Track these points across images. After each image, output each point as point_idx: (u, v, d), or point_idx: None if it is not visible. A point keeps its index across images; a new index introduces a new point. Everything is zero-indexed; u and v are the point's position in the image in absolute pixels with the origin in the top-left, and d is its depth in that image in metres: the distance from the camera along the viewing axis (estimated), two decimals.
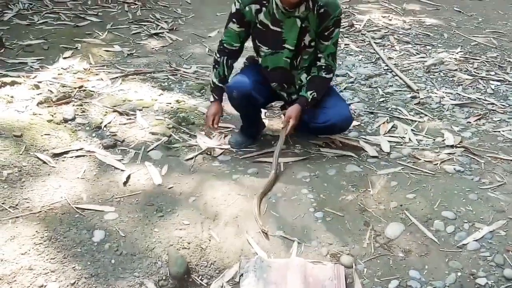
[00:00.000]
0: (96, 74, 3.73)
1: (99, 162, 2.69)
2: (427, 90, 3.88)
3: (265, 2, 2.59)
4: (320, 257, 2.21)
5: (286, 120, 2.72)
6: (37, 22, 4.58)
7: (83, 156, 2.71)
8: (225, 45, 2.75)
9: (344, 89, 3.82)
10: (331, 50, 2.73)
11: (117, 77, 3.71)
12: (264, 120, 3.16)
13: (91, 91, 3.46)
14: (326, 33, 2.67)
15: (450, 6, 6.04)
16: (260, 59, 2.79)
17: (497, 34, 5.19)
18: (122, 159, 2.74)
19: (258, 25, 2.65)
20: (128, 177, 2.58)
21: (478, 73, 4.18)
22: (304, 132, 2.98)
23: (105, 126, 3.03)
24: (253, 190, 2.53)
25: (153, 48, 4.41)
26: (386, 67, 4.27)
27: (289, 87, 2.84)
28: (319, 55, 2.74)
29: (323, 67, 2.74)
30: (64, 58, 3.94)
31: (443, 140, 3.13)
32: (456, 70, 4.26)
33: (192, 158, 2.81)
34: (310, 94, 2.71)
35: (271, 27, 2.62)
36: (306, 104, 2.72)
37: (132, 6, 5.32)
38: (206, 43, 4.64)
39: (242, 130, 2.99)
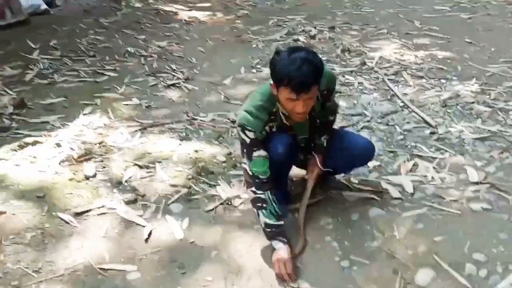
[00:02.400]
0: (116, 129, 3.73)
1: (120, 219, 2.64)
2: (446, 125, 3.79)
3: (273, 117, 2.41)
4: None
5: (311, 170, 2.66)
6: (58, 81, 4.63)
7: (105, 213, 2.67)
8: (260, 176, 2.37)
9: (361, 128, 3.75)
10: (332, 106, 2.70)
11: (136, 130, 3.70)
12: None
13: (111, 146, 3.45)
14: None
15: (461, 38, 5.98)
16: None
17: (511, 63, 5.10)
18: (143, 215, 2.69)
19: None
20: (150, 233, 2.52)
21: (496, 104, 4.08)
22: (327, 178, 2.91)
23: (125, 181, 3.00)
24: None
25: (170, 99, 4.42)
26: (402, 104, 4.20)
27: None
28: (323, 112, 2.68)
29: (329, 111, 2.70)
30: (84, 114, 3.96)
31: (467, 177, 3.02)
32: (473, 102, 4.16)
33: (212, 210, 2.75)
34: (324, 138, 2.68)
35: (288, 132, 2.53)
36: (323, 150, 2.68)
37: (148, 59, 5.38)
38: (221, 90, 4.64)
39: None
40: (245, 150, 2.40)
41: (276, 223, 2.35)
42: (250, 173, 2.39)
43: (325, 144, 2.67)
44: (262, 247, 2.42)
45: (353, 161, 2.76)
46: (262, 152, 2.38)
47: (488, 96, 4.26)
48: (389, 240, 2.46)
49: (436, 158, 3.28)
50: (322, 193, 2.88)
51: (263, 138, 2.39)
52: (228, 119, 4.02)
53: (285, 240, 2.35)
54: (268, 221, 2.35)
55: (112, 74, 4.91)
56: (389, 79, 4.74)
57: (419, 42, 5.83)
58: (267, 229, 2.36)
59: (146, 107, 4.22)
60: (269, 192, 2.37)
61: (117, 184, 2.97)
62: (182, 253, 2.38)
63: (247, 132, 2.35)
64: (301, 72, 2.14)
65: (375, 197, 2.81)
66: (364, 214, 2.67)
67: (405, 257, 2.35)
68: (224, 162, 3.28)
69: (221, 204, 2.81)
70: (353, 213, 2.67)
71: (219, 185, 3.00)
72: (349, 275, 2.26)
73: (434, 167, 3.16)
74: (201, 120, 3.95)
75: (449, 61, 5.22)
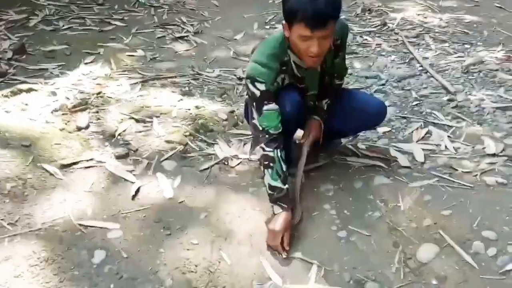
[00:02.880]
0: (116, 80, 3.55)
1: (109, 173, 2.49)
2: (465, 92, 3.52)
3: (284, 67, 2.19)
4: (343, 283, 1.94)
5: (306, 134, 2.45)
6: (62, 28, 4.44)
7: (93, 167, 2.52)
8: (270, 131, 2.16)
9: (375, 91, 3.51)
10: (341, 65, 2.48)
11: (136, 83, 3.52)
12: None
13: (109, 97, 3.27)
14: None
15: (490, 2, 5.59)
16: None
17: None
18: (134, 170, 2.53)
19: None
20: (138, 190, 2.37)
21: None
22: (331, 141, 2.71)
23: (119, 134, 2.83)
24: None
25: (176, 52, 4.21)
26: (420, 68, 3.92)
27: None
28: (330, 71, 2.45)
29: (335, 75, 2.49)
30: (86, 63, 3.78)
31: (483, 148, 2.78)
32: (497, 70, 3.86)
33: (207, 169, 2.58)
34: (325, 102, 2.47)
35: (299, 84, 2.32)
36: (323, 113, 2.47)
37: (159, 10, 5.14)
38: (231, 46, 4.40)
39: None
40: (254, 104, 2.18)
41: (280, 185, 2.15)
42: (260, 127, 2.18)
43: (325, 108, 2.46)
44: (256, 210, 2.26)
45: (362, 122, 2.53)
46: (273, 106, 2.16)
47: None
48: (393, 211, 2.27)
49: (452, 127, 3.03)
50: (325, 158, 2.68)
51: (275, 91, 2.17)
52: (235, 75, 3.80)
53: (286, 207, 2.14)
54: (272, 182, 2.15)
55: (119, 23, 4.70)
56: (409, 42, 4.44)
57: (446, 5, 5.47)
58: (270, 191, 2.17)
59: (150, 59, 4.02)
60: (278, 150, 2.17)
61: (110, 137, 2.80)
62: (169, 213, 2.23)
63: (257, 84, 2.13)
64: (317, 3, 1.91)
65: (382, 164, 2.60)
66: (369, 182, 2.47)
67: (408, 230, 2.16)
68: (225, 120, 3.09)
69: (217, 163, 2.63)
70: (357, 181, 2.48)
71: (217, 143, 2.82)
72: (346, 246, 2.09)
73: (448, 136, 2.92)
74: (206, 76, 3.75)
75: (475, 25, 4.87)
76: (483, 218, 2.19)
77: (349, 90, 2.73)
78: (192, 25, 4.83)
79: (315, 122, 2.47)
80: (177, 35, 4.53)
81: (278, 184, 2.15)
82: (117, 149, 2.67)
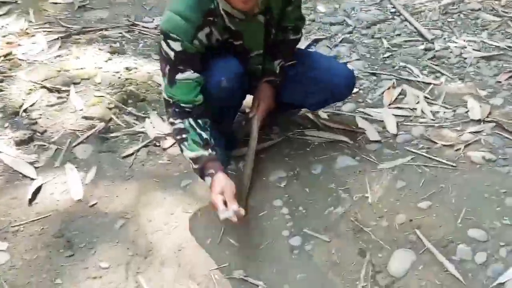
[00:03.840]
0: (32, 36, 2.90)
1: (3, 167, 1.93)
2: (444, 39, 2.98)
3: (211, 18, 1.64)
4: None
5: (256, 104, 1.92)
6: None
7: None
8: (181, 105, 1.67)
9: (340, 41, 2.94)
10: (295, 14, 1.94)
11: (57, 38, 2.87)
12: None
13: (20, 59, 2.64)
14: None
15: None
16: None
17: None
18: (37, 161, 1.98)
19: (214, 47, 1.72)
20: (38, 190, 1.83)
21: (506, 13, 3.24)
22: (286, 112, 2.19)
23: (24, 110, 2.25)
24: (207, 203, 1.76)
25: None
26: (393, 10, 3.34)
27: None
28: (283, 23, 1.93)
29: (290, 28, 1.95)
30: None
31: (466, 112, 2.29)
32: (479, 9, 3.31)
33: (132, 154, 2.04)
34: (278, 64, 1.92)
35: (234, 42, 1.76)
36: (275, 78, 1.93)
37: None
38: None
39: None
40: (167, 69, 1.65)
41: (202, 153, 1.64)
42: (170, 100, 1.67)
43: (277, 71, 1.92)
44: (188, 214, 1.76)
45: (325, 97, 2.02)
46: (190, 74, 1.64)
47: (497, 2, 3.40)
48: (358, 204, 1.80)
49: (429, 84, 2.52)
50: (279, 133, 2.16)
51: (196, 53, 1.64)
52: None
53: (215, 171, 1.62)
54: (192, 154, 1.65)
55: None
56: None
57: None
58: (194, 166, 1.66)
59: (78, 7, 3.33)
60: (190, 119, 1.67)
61: (12, 115, 2.22)
62: (74, 223, 1.71)
63: (171, 42, 1.61)
64: None
65: (347, 139, 2.10)
66: (330, 165, 1.97)
67: (378, 232, 1.70)
68: (161, 85, 2.51)
69: (146, 146, 2.09)
70: (315, 164, 1.98)
71: (148, 117, 2.27)
72: (299, 259, 1.62)
73: (425, 97, 2.42)
74: (143, 27, 3.10)
75: None
76: (469, 211, 1.74)
77: (308, 53, 2.17)
78: None
79: (266, 88, 1.94)
80: None
81: (200, 152, 1.64)
82: (18, 132, 2.10)
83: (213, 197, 1.54)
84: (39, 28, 3.01)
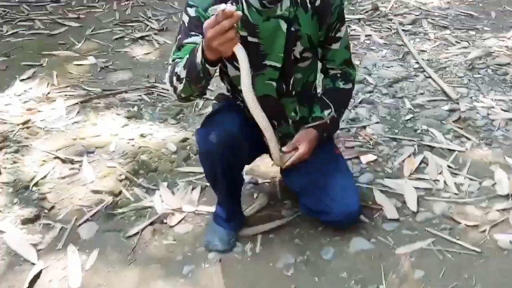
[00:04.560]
0: (53, 101, 2.89)
1: (6, 249, 1.86)
2: (471, 98, 2.81)
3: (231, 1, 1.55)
4: None
5: (294, 146, 1.71)
6: (5, 34, 3.76)
7: None
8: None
9: (360, 102, 2.80)
10: (344, 55, 1.80)
11: (77, 103, 2.86)
12: None
13: (39, 127, 2.63)
14: (331, 34, 1.72)
15: None
16: (232, 91, 1.84)
17: None
18: (40, 242, 1.90)
19: None
20: (37, 277, 1.74)
21: None
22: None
23: (35, 184, 2.20)
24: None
25: (134, 57, 3.52)
26: (416, 65, 3.20)
27: (279, 124, 1.81)
28: (329, 65, 1.81)
29: (339, 75, 1.81)
30: (22, 80, 3.12)
31: (493, 185, 2.10)
32: (508, 64, 3.13)
33: (136, 234, 1.94)
34: (328, 113, 1.76)
35: (249, 38, 1.63)
36: (324, 128, 1.75)
37: (123, 3, 4.42)
38: None
39: (222, 220, 1.87)
40: (179, 36, 1.61)
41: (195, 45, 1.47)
42: (173, 62, 1.57)
43: (328, 122, 1.76)
44: None
45: (317, 213, 1.84)
46: (199, 39, 1.52)
47: None
48: None
49: (453, 151, 2.35)
50: (290, 208, 2.03)
51: None
52: None
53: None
54: (185, 63, 1.46)
55: (73, 24, 4.00)
56: (404, 30, 3.70)
57: None
58: (198, 68, 1.43)
59: (101, 68, 3.34)
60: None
61: (23, 189, 2.17)
62: None
63: (188, 9, 1.61)
64: None
65: (363, 217, 1.94)
66: (342, 248, 1.81)
67: None
68: (175, 153, 2.43)
69: (152, 223, 1.99)
70: (327, 246, 1.82)
71: (158, 189, 2.18)
72: None
73: (449, 166, 2.24)
74: (162, 88, 3.07)
75: (481, 5, 4.10)
76: None
77: (328, 170, 1.82)
78: (157, 20, 4.12)
79: (311, 131, 1.74)
80: (138, 34, 3.83)
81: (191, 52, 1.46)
82: (26, 210, 2.04)
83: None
84: (61, 92, 3.01)
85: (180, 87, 1.52)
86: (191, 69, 1.45)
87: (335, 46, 1.75)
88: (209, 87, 1.57)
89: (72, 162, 2.35)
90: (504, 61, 3.15)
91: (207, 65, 1.42)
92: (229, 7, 1.28)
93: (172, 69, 1.55)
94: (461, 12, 3.94)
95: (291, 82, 1.73)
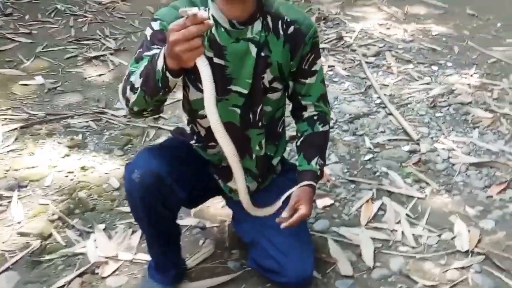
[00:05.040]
0: None
1: None
2: (432, 138, 2.70)
3: None
4: None
5: (295, 207, 1.50)
6: None
7: None
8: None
9: None
10: (320, 90, 1.64)
11: (15, 129, 2.61)
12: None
13: None
14: (305, 66, 1.56)
15: (462, 8, 4.74)
16: (191, 119, 1.62)
17: None
18: None
19: None
20: None
21: (499, 107, 2.98)
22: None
23: None
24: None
25: (86, 78, 3.28)
26: (378, 101, 3.08)
27: (242, 157, 1.57)
28: (303, 102, 1.63)
29: (315, 117, 1.64)
30: None
31: (452, 238, 1.97)
32: (470, 103, 3.05)
33: (63, 287, 1.71)
34: (316, 163, 1.58)
35: (215, 59, 1.46)
36: (317, 180, 1.59)
37: (80, 20, 4.17)
38: None
39: (155, 273, 1.68)
40: (139, 50, 1.42)
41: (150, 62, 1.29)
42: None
43: (318, 172, 1.59)
44: None
45: (275, 280, 1.67)
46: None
47: (489, 94, 3.15)
48: None
49: (412, 198, 2.21)
50: (236, 263, 1.83)
51: None
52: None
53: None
54: (153, 66, 1.25)
55: (24, 39, 3.73)
56: (367, 62, 3.59)
57: (412, 12, 4.63)
58: (157, 76, 1.25)
59: (49, 90, 3.10)
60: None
61: None
62: None
63: (152, 23, 1.44)
64: None
65: (315, 273, 1.76)
66: None
67: None
68: (117, 189, 2.22)
69: (81, 274, 1.76)
70: None
71: (93, 232, 1.95)
72: None
73: (407, 215, 2.10)
74: (111, 115, 2.85)
75: (444, 39, 4.04)
76: None
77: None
78: (115, 39, 3.89)
79: (308, 191, 1.55)
80: (93, 54, 3.60)
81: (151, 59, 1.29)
82: None
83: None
84: (2, 115, 2.75)
85: (133, 98, 1.32)
86: (149, 77, 1.27)
87: (311, 80, 1.59)
88: (163, 115, 1.39)
89: (0, 197, 2.10)
90: (466, 100, 3.06)
91: (167, 74, 1.23)
92: (202, 13, 1.12)
93: (126, 78, 1.36)
94: (424, 46, 3.87)
95: (258, 112, 1.55)
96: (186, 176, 1.55)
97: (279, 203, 1.50)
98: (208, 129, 1.40)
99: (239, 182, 1.34)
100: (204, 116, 1.43)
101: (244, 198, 1.40)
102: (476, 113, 2.93)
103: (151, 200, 1.45)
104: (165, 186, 1.45)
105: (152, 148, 1.63)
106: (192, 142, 1.64)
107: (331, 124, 2.75)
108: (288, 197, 1.51)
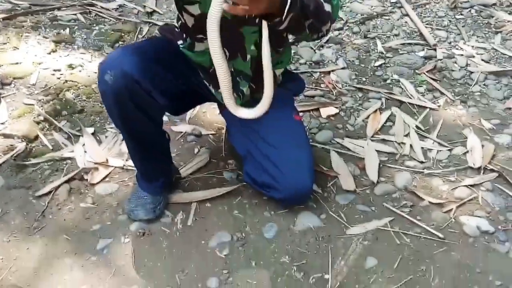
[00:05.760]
0: None
1: None
2: (450, 43, 2.45)
3: None
4: None
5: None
6: None
7: None
8: None
9: (326, 42, 2.41)
10: None
11: None
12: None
13: None
14: None
15: None
16: (178, 6, 1.33)
17: None
18: None
19: None
20: None
21: None
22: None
23: None
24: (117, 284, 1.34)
25: None
26: (394, 0, 2.78)
27: (233, 56, 1.36)
28: None
29: None
30: None
31: (464, 153, 1.82)
32: (494, 4, 2.75)
33: (49, 193, 1.59)
34: None
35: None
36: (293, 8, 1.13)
37: None
38: None
39: (142, 181, 1.54)
40: None
41: None
42: None
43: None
44: None
45: (270, 195, 1.53)
46: None
47: None
48: None
49: (424, 108, 2.03)
50: (232, 174, 1.70)
51: None
52: (144, 6, 2.65)
53: None
54: None
55: None
56: None
57: None
58: None
59: None
60: None
61: None
62: None
63: None
64: None
65: (315, 187, 1.64)
66: (288, 225, 1.53)
67: None
68: None
69: (68, 181, 1.64)
70: (270, 222, 1.53)
71: (81, 135, 1.81)
72: None
73: (417, 127, 1.93)
74: (101, 7, 2.57)
75: None
76: None
77: (280, 126, 1.49)
78: None
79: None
80: None
81: None
82: None
83: None
84: None
85: None
86: None
87: None
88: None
89: None
90: (490, 1, 2.76)
91: None
92: None
93: None
94: None
95: None
96: (168, 80, 1.36)
97: (266, 104, 1.30)
98: (197, 18, 1.24)
99: (220, 76, 1.15)
100: (193, 2, 1.24)
101: (224, 91, 1.21)
102: (500, 17, 2.65)
103: (126, 104, 1.27)
104: (141, 90, 1.27)
105: (128, 46, 1.40)
106: (180, 42, 1.41)
107: (340, 25, 2.51)
108: (275, 102, 1.30)
